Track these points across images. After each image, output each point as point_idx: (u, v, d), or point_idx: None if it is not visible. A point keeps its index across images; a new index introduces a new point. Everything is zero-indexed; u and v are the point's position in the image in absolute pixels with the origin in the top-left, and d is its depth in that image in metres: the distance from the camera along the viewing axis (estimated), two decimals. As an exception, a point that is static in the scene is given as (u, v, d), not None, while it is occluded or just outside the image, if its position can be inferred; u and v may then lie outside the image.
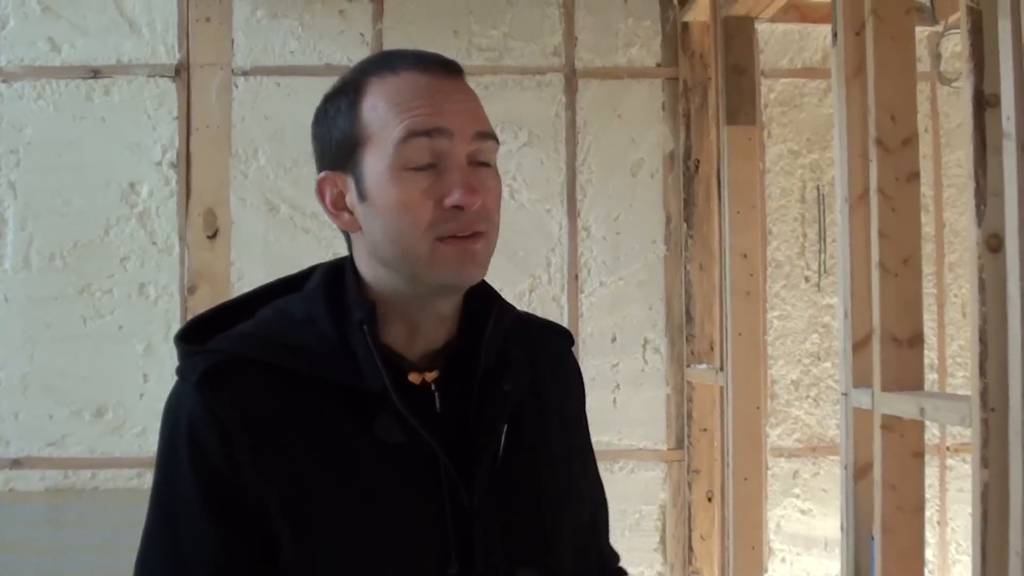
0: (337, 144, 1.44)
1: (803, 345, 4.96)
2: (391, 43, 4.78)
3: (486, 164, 1.42)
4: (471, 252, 1.38)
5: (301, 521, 1.33)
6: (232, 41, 4.72)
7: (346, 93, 1.44)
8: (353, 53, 4.75)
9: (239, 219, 4.68)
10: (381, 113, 1.39)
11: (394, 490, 1.37)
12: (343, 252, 4.98)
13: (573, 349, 1.69)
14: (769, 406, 4.88)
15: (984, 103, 2.33)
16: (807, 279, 4.97)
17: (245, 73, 4.72)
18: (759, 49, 4.79)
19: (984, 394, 2.31)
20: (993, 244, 2.30)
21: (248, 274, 4.63)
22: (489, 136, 1.41)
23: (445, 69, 1.42)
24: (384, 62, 1.44)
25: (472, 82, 1.47)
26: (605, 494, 1.67)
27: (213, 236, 4.60)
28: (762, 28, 4.77)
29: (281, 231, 4.70)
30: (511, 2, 4.92)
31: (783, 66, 5.03)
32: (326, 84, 4.79)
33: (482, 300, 1.51)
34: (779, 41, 5.04)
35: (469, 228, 1.37)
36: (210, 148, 4.64)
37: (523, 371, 1.51)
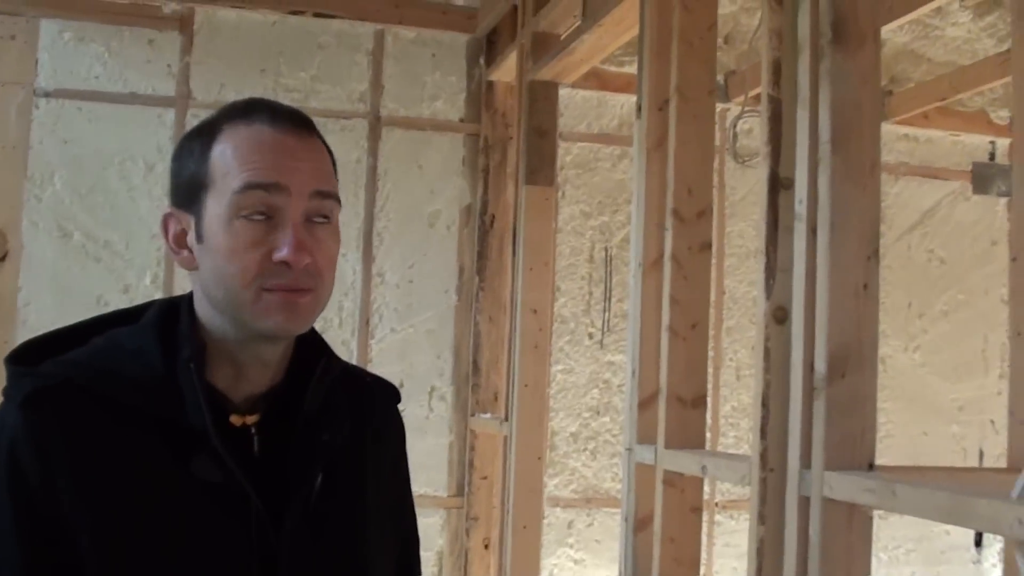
0: (186, 183, 1.48)
1: (584, 399, 5.13)
2: (198, 77, 4.77)
3: (326, 221, 1.47)
4: (295, 305, 1.43)
5: (108, 551, 1.35)
6: (36, 61, 4.63)
7: (202, 135, 1.48)
8: (159, 84, 4.73)
9: (30, 243, 4.57)
10: (228, 160, 1.43)
11: (204, 528, 1.41)
12: (134, 284, 4.87)
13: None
14: (548, 457, 5.02)
15: (779, 185, 2.51)
16: (591, 336, 5.14)
17: (47, 95, 4.63)
18: (560, 113, 4.97)
19: (764, 455, 2.46)
20: (779, 316, 2.46)
21: (36, 300, 4.52)
22: (329, 195, 1.47)
23: (296, 126, 1.47)
24: (242, 111, 1.48)
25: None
26: (419, 547, 1.75)
27: (2, 259, 4.49)
28: (563, 93, 4.95)
29: (73, 259, 4.61)
30: (321, 46, 4.98)
31: (580, 130, 5.23)
32: (129, 112, 4.72)
33: (311, 349, 1.57)
34: (578, 106, 5.23)
35: (295, 284, 1.42)
36: (5, 168, 4.54)
37: (344, 422, 1.56)
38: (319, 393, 1.53)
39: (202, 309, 1.50)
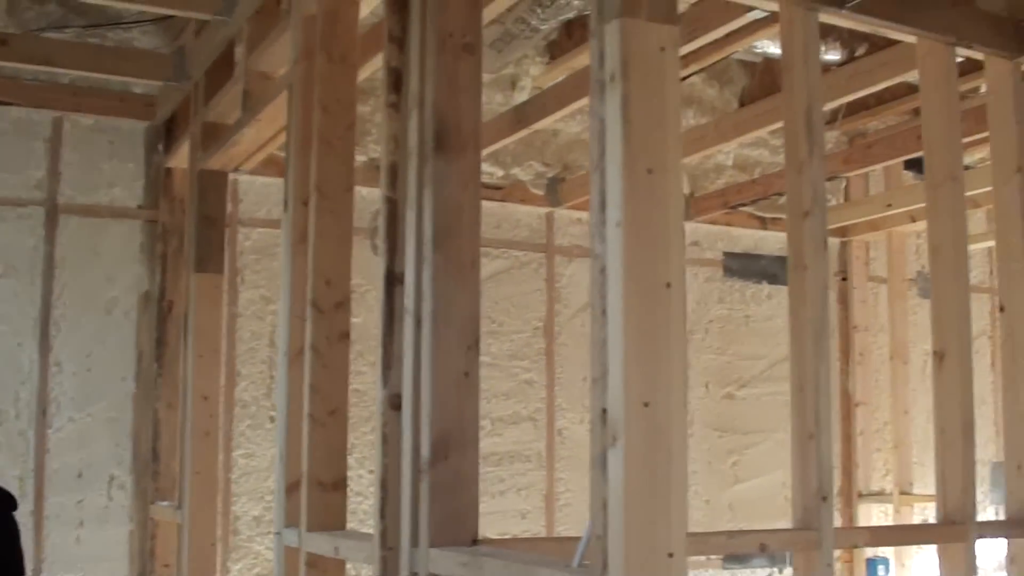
0: None
1: (266, 483, 5.18)
2: None
3: None
4: None
5: None
6: None
7: None
8: None
9: None
10: None
11: None
12: None
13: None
14: (232, 541, 5.06)
15: (395, 280, 2.68)
16: (272, 419, 5.21)
17: None
18: (239, 199, 5.08)
19: (384, 535, 2.62)
20: (395, 403, 2.63)
21: None
22: None
23: None
24: None
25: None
26: None
27: None
28: (243, 179, 5.07)
29: None
30: (-5, 133, 4.95)
31: (260, 216, 5.33)
32: None
33: None
34: (258, 192, 5.33)
35: None
36: None
37: None
38: None
39: None
